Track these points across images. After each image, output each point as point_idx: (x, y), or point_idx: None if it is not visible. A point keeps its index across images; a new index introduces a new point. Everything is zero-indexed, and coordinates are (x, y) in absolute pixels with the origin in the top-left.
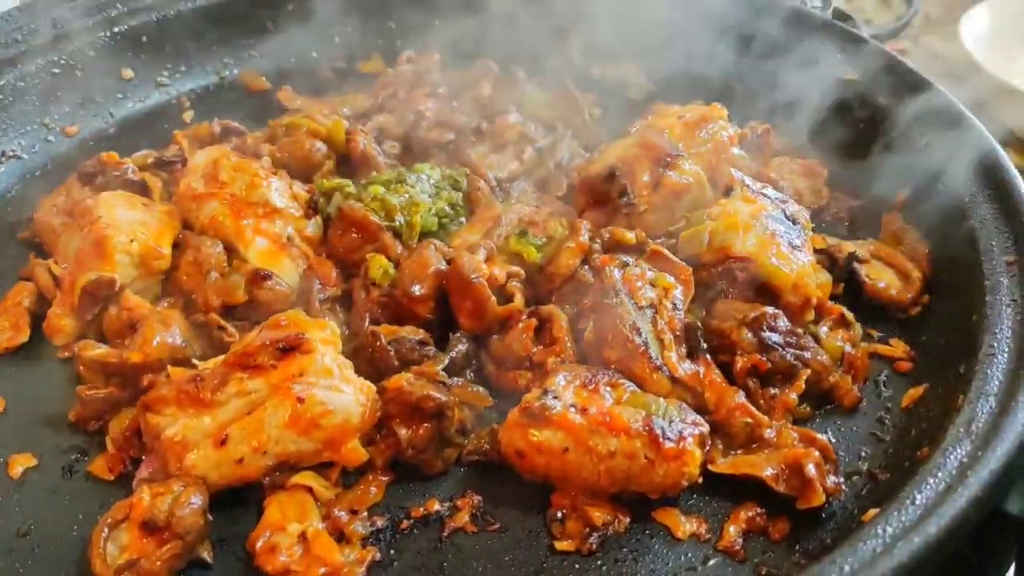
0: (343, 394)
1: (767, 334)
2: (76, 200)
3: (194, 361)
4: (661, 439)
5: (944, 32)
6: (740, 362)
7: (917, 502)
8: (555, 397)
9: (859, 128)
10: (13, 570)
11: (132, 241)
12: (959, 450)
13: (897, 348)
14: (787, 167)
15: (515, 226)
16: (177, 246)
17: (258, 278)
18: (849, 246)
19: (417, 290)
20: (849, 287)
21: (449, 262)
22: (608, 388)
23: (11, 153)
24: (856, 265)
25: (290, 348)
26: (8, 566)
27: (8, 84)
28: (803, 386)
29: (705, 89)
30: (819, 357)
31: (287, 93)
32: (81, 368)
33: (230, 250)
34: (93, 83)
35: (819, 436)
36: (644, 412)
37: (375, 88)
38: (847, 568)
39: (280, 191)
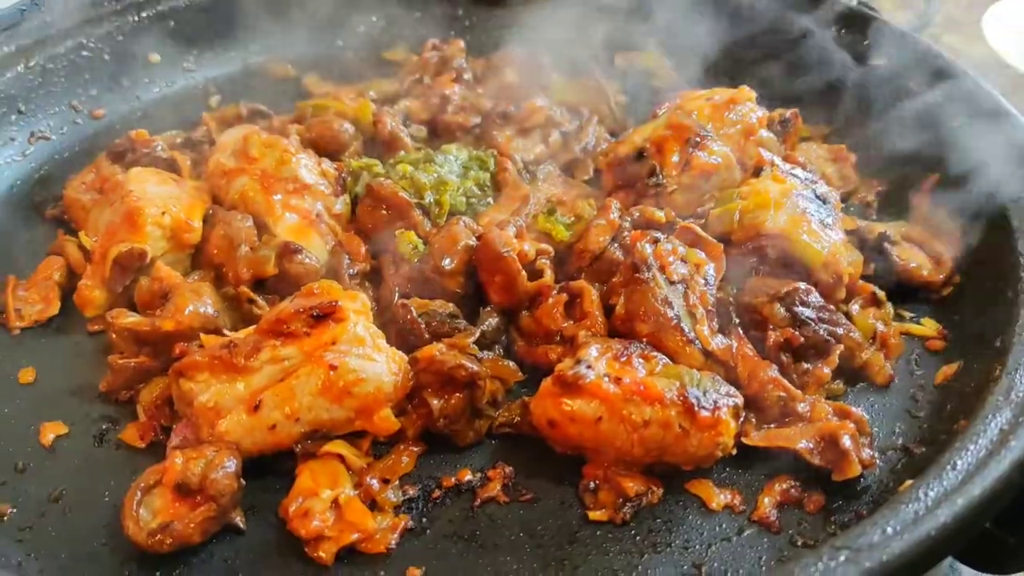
0: (375, 363)
1: (800, 309)
2: (106, 176)
3: (225, 331)
4: (696, 408)
5: (966, 31)
6: (773, 337)
7: (958, 467)
8: (588, 367)
9: (887, 113)
10: (45, 532)
11: (164, 214)
12: (999, 418)
13: (929, 328)
14: (814, 152)
15: (543, 206)
16: (206, 221)
17: (288, 251)
18: (880, 227)
19: (448, 264)
20: (880, 268)
21: (479, 238)
22: (640, 360)
23: (40, 134)
24: (887, 246)
25: (323, 315)
26: (40, 528)
27: (38, 65)
28: (836, 361)
29: (729, 77)
30: (852, 333)
31: (313, 79)
32: (113, 336)
33: (259, 225)
34: (120, 67)
35: (854, 410)
36: (678, 382)
37: (401, 74)
38: (889, 530)
39: (310, 168)
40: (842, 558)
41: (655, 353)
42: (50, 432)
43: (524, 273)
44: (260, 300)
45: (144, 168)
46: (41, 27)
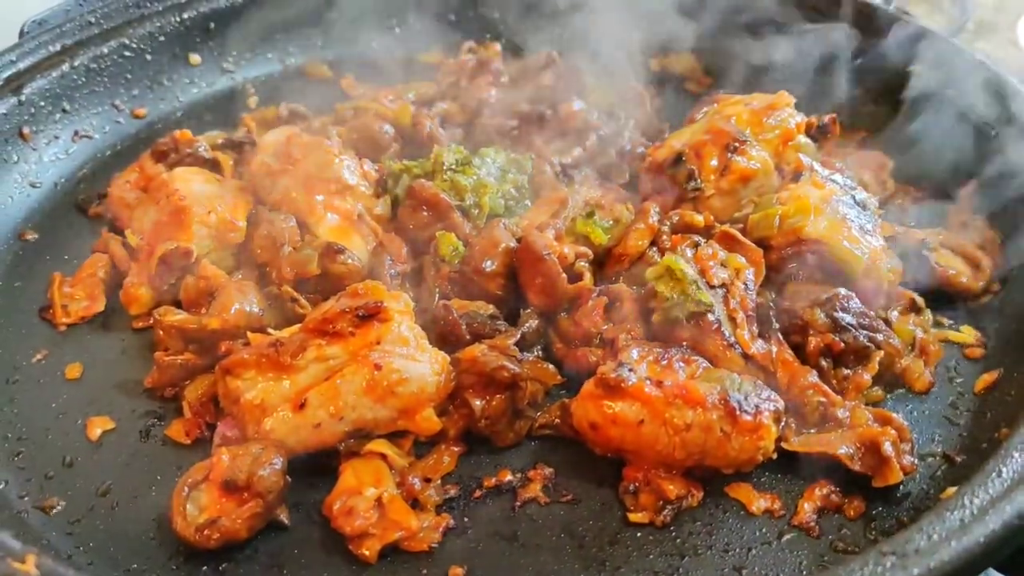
0: (419, 363)
1: (840, 315)
2: (150, 175)
3: (269, 330)
4: (738, 412)
5: (998, 38)
6: (813, 342)
7: (1003, 475)
8: (630, 369)
9: (924, 119)
10: (93, 527)
11: (210, 213)
12: None
13: (968, 335)
14: (851, 157)
15: (581, 209)
16: (250, 221)
17: (331, 251)
18: (919, 233)
19: (489, 266)
20: (919, 275)
21: (519, 240)
22: (681, 364)
23: (83, 133)
24: (926, 252)
25: (369, 316)
26: (89, 523)
27: (82, 65)
28: (876, 367)
29: (762, 83)
30: (892, 340)
31: (350, 81)
32: (160, 334)
33: (301, 226)
34: (162, 67)
35: (894, 416)
36: (720, 386)
37: (438, 76)
38: (935, 536)
39: (352, 169)
40: (888, 563)
41: (696, 357)
42: (97, 427)
43: (564, 276)
44: (303, 299)
45: (189, 167)
46: (85, 27)
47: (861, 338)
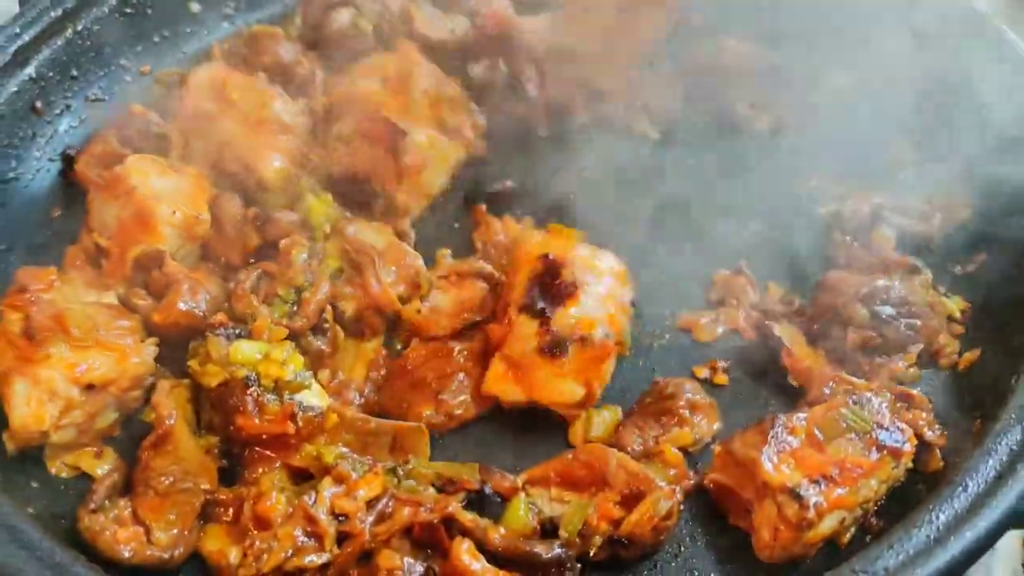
0: None
1: (880, 308)
2: (112, 151)
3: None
4: (900, 446)
5: None
6: (852, 337)
7: (969, 490)
8: (809, 494)
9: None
10: None
11: (175, 212)
12: (1011, 437)
13: (956, 304)
14: None
15: None
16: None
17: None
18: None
19: None
20: None
21: None
22: (802, 433)
23: (93, 97)
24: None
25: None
26: None
27: (85, 29)
28: (914, 358)
29: None
30: (931, 322)
31: None
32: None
33: (245, 168)
34: (163, 21)
35: (915, 392)
36: (853, 434)
37: None
38: (903, 555)
39: (287, 108)
40: None
41: (796, 415)
42: None
43: None
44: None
45: (140, 157)
46: None
47: (902, 329)
